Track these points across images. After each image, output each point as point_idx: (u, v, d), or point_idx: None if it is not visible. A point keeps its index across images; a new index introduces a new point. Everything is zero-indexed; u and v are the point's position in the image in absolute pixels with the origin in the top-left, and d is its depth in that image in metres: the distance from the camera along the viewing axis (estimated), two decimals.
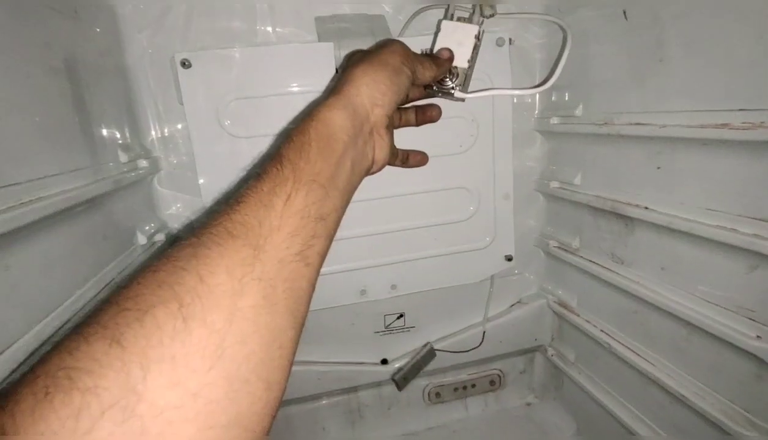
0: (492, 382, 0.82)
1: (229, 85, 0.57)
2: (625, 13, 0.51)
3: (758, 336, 0.42)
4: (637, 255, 0.56)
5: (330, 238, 0.30)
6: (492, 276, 0.73)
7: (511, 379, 0.83)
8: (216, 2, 0.57)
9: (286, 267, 0.25)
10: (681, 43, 0.45)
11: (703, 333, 0.47)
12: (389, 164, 0.46)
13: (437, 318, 0.75)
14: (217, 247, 0.24)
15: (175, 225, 0.63)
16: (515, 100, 0.67)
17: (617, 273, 0.58)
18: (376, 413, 0.80)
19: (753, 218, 0.41)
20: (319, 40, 0.59)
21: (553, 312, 0.74)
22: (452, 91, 0.46)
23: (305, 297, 0.27)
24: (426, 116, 0.50)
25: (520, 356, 0.82)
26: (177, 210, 0.63)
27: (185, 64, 0.56)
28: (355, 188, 0.34)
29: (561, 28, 0.54)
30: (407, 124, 0.50)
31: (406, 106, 0.49)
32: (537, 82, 0.67)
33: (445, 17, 0.48)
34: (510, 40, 0.63)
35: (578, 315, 0.68)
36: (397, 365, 0.73)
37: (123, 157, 0.52)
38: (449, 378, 0.80)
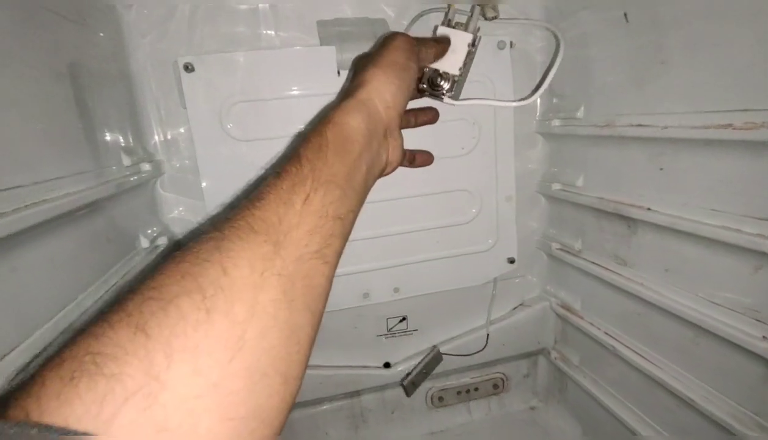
0: (495, 386, 0.81)
1: (232, 89, 0.57)
2: (626, 15, 0.51)
3: (764, 337, 0.41)
4: (640, 256, 0.55)
5: (346, 238, 0.30)
6: (495, 279, 0.72)
7: (514, 383, 0.83)
8: (219, 7, 0.57)
9: (305, 264, 0.26)
10: (682, 46, 0.45)
11: (709, 334, 0.47)
12: (398, 165, 0.47)
13: (440, 322, 0.75)
14: (239, 241, 0.24)
15: (177, 229, 0.63)
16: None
17: (620, 275, 0.58)
18: (379, 417, 0.79)
19: (757, 218, 0.41)
20: (321, 44, 0.59)
21: (556, 314, 0.74)
22: (442, 97, 0.46)
23: (323, 295, 0.27)
24: (424, 118, 0.50)
25: (523, 359, 0.81)
26: (179, 213, 0.63)
27: (188, 67, 0.56)
28: (369, 189, 0.35)
29: (555, 36, 0.54)
30: (407, 126, 0.50)
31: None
32: (537, 79, 0.67)
33: (443, 21, 0.48)
34: (511, 43, 0.63)
35: (582, 318, 0.68)
36: (401, 368, 0.73)
37: (126, 161, 0.52)
38: (452, 382, 0.80)
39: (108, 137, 0.50)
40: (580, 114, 0.61)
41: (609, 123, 0.56)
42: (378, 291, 0.69)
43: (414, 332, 0.74)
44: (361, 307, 0.69)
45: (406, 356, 0.74)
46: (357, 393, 0.77)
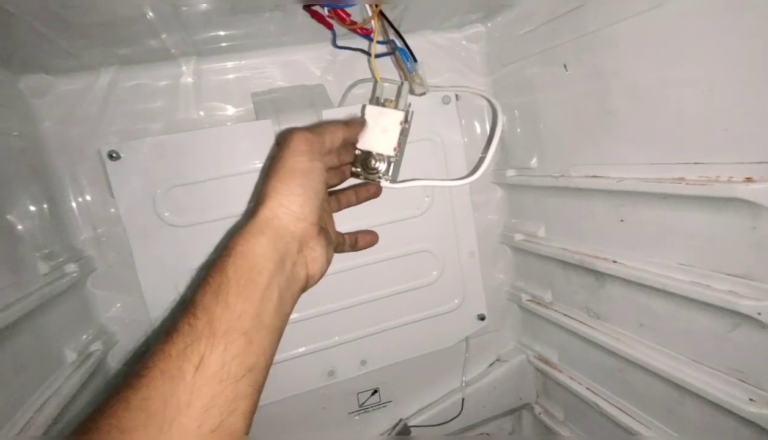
0: None
1: (165, 174, 0.53)
2: (565, 66, 0.50)
3: (751, 400, 0.39)
4: (612, 310, 0.53)
5: (260, 387, 0.26)
6: (467, 338, 0.68)
7: (498, 438, 0.78)
8: (137, 86, 0.54)
9: None
10: (626, 96, 0.44)
11: (694, 395, 0.44)
12: (339, 252, 0.43)
13: (414, 389, 0.70)
14: None
15: (116, 328, 0.57)
16: (468, 152, 0.65)
17: (595, 328, 0.55)
18: None
19: (726, 274, 0.38)
20: (257, 117, 0.56)
21: (535, 368, 0.70)
22: (378, 180, 0.43)
23: None
24: (367, 193, 0.47)
25: (506, 416, 0.77)
26: (117, 311, 0.57)
27: (113, 155, 0.52)
28: (288, 315, 0.30)
29: (491, 105, 0.52)
30: (348, 205, 0.47)
31: (341, 187, 0.46)
32: (488, 127, 0.66)
33: (371, 100, 0.45)
34: (456, 96, 0.62)
35: (561, 372, 0.64)
36: None
37: (43, 268, 0.46)
38: None
39: (24, 245, 0.45)
40: (533, 164, 0.60)
41: (563, 173, 0.54)
42: (344, 366, 0.63)
43: (388, 403, 0.69)
44: (327, 386, 0.64)
45: (382, 430, 0.69)
46: None
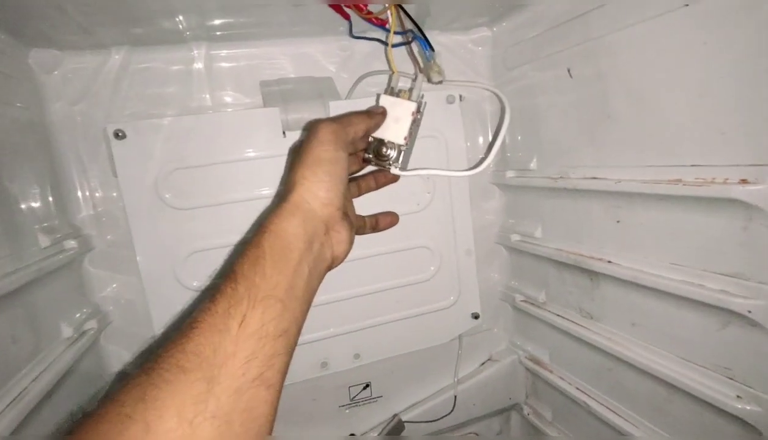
0: None
1: (169, 155, 0.53)
2: (569, 70, 0.51)
3: (738, 397, 0.40)
4: (605, 310, 0.54)
5: (291, 350, 0.29)
6: (460, 336, 0.69)
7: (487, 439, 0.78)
8: (149, 68, 0.54)
9: (243, 396, 0.24)
10: (626, 100, 0.46)
11: (683, 393, 0.45)
12: (360, 234, 0.44)
13: (406, 385, 0.70)
14: (166, 386, 0.23)
15: (111, 307, 0.57)
16: (469, 155, 0.66)
17: (587, 328, 0.56)
18: None
19: (718, 273, 0.40)
20: (265, 105, 0.56)
21: (526, 368, 0.71)
22: (389, 167, 0.45)
23: (266, 425, 0.26)
24: (385, 179, 0.49)
25: (495, 416, 0.77)
26: (113, 291, 0.57)
27: (119, 134, 0.52)
28: (315, 291, 0.34)
29: (500, 99, 0.54)
30: (368, 190, 0.49)
31: (362, 173, 0.48)
32: (490, 132, 0.67)
33: (386, 90, 0.46)
34: (460, 97, 0.63)
35: (551, 372, 0.65)
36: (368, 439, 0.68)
37: (44, 241, 0.46)
38: None
39: (24, 217, 0.45)
40: (533, 165, 0.61)
41: (563, 175, 0.55)
42: (337, 358, 0.64)
43: (379, 398, 0.69)
44: (319, 378, 0.64)
45: (373, 425, 0.69)
46: None
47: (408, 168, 0.47)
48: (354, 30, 0.48)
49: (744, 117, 0.36)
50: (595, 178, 0.50)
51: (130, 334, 0.57)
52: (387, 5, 0.41)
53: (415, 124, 0.44)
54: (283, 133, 0.56)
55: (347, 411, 0.68)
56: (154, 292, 0.55)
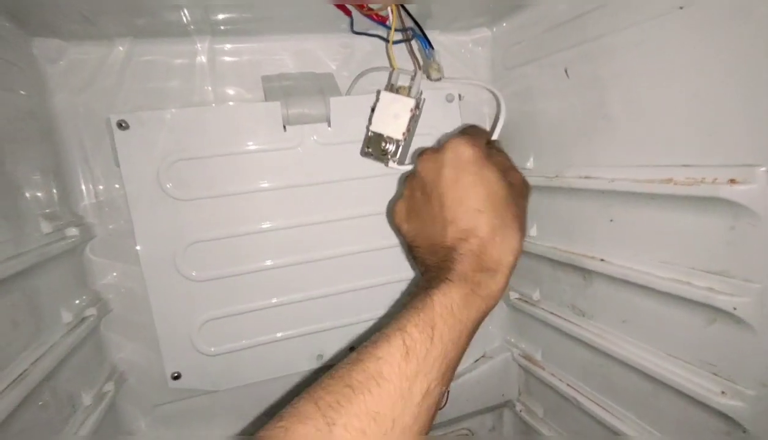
0: None
1: (171, 147, 0.54)
2: (566, 71, 0.52)
3: (723, 392, 0.41)
4: (597, 307, 0.55)
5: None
6: None
7: (480, 437, 0.79)
8: (153, 61, 0.55)
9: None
10: (621, 101, 0.47)
11: (669, 388, 0.46)
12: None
13: None
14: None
15: (111, 295, 0.57)
16: None
17: (579, 325, 0.57)
18: None
19: (706, 271, 0.41)
20: (266, 99, 0.57)
21: (519, 365, 0.72)
22: (387, 161, 0.46)
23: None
24: None
25: (488, 413, 0.78)
26: (113, 279, 0.57)
27: (122, 125, 0.53)
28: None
29: (495, 97, 0.55)
30: None
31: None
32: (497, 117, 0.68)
33: (386, 86, 0.48)
34: (459, 95, 0.64)
35: (543, 369, 0.66)
36: None
37: (46, 228, 0.47)
38: None
39: (27, 204, 0.46)
40: (530, 164, 0.62)
41: (558, 174, 0.56)
42: (333, 351, 0.65)
43: None
44: (314, 370, 0.65)
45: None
46: None
47: (406, 163, 0.48)
48: (355, 26, 0.49)
49: (733, 118, 0.36)
50: (589, 177, 0.51)
51: (129, 322, 0.58)
52: (389, 2, 0.42)
53: (414, 119, 0.45)
54: (284, 127, 0.57)
55: None
56: (154, 281, 0.56)
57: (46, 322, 0.46)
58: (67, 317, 0.49)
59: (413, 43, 0.52)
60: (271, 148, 0.57)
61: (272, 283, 0.60)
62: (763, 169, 0.34)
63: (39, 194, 0.48)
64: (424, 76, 0.53)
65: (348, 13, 0.44)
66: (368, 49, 0.60)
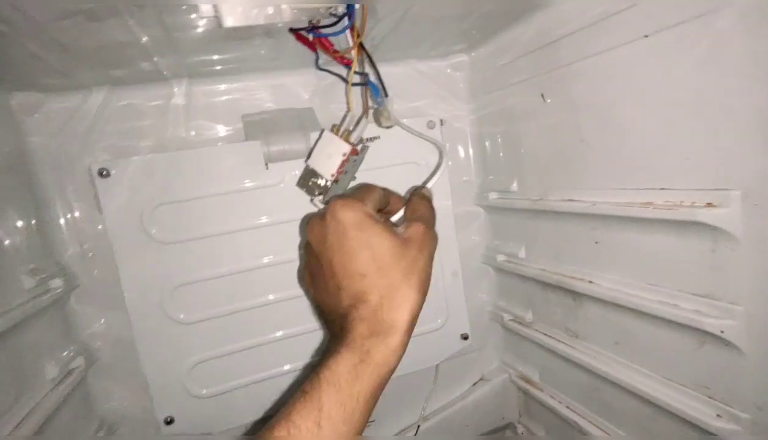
0: None
1: (154, 191, 0.54)
2: (543, 96, 0.53)
3: (718, 416, 0.40)
4: (589, 329, 0.54)
5: None
6: (437, 366, 0.69)
7: None
8: (128, 105, 0.55)
9: None
10: (597, 125, 0.47)
11: (665, 412, 0.45)
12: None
13: (399, 407, 0.70)
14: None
15: (98, 343, 0.57)
16: (451, 176, 0.67)
17: (573, 347, 0.57)
18: None
19: (692, 294, 0.40)
20: (246, 138, 0.57)
21: (517, 387, 0.71)
22: (313, 197, 0.49)
23: None
24: None
25: (489, 436, 0.77)
26: (100, 327, 0.57)
27: (103, 173, 0.53)
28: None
29: (438, 148, 0.58)
30: None
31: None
32: (471, 152, 0.69)
33: (338, 124, 0.49)
34: (441, 121, 0.64)
35: (542, 391, 0.65)
36: None
37: (29, 283, 0.47)
38: None
39: (8, 260, 0.45)
40: (514, 187, 0.62)
41: (542, 197, 0.56)
42: None
43: (371, 423, 0.69)
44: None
45: None
46: None
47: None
48: (320, 63, 0.49)
49: (706, 143, 0.37)
50: (572, 200, 0.51)
51: (118, 370, 0.57)
52: (351, 44, 0.43)
53: (352, 163, 0.46)
54: (266, 164, 0.57)
55: None
56: (141, 327, 0.55)
57: (30, 380, 0.45)
58: (52, 372, 0.48)
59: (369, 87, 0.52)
60: (254, 186, 0.57)
61: (261, 321, 0.60)
62: (737, 192, 0.34)
63: (21, 248, 0.48)
64: (371, 122, 0.54)
65: (313, 48, 0.45)
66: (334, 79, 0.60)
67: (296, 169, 0.58)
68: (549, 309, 0.60)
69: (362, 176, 0.51)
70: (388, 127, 0.54)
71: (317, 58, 0.48)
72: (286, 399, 0.58)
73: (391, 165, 0.62)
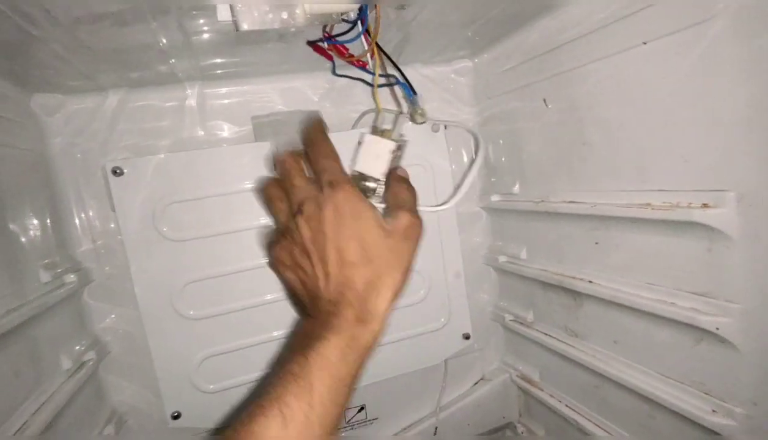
0: None
1: (165, 190, 0.55)
2: (545, 100, 0.54)
3: (713, 411, 0.41)
4: (589, 328, 0.56)
5: None
6: (446, 361, 0.70)
7: None
8: (144, 106, 0.57)
9: None
10: (598, 128, 0.48)
11: (663, 408, 0.46)
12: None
13: (401, 407, 0.71)
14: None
15: (109, 338, 0.58)
16: (455, 179, 0.69)
17: (573, 346, 0.58)
18: None
19: (689, 292, 0.42)
20: (256, 139, 0.59)
21: (518, 387, 0.72)
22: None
23: None
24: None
25: (490, 435, 0.78)
26: (111, 322, 0.58)
27: (117, 171, 0.54)
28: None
29: (474, 137, 0.57)
30: None
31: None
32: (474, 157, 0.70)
33: (372, 127, 0.50)
34: (445, 125, 0.66)
35: (542, 390, 0.66)
36: None
37: (45, 277, 0.48)
38: None
39: (26, 254, 0.47)
40: (516, 189, 0.63)
41: (543, 199, 0.57)
42: None
43: (374, 421, 0.70)
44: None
45: None
46: None
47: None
48: (337, 70, 0.51)
49: (703, 145, 0.38)
50: (573, 201, 0.53)
51: (128, 364, 0.58)
52: (366, 48, 0.44)
53: (395, 160, 0.47)
54: (274, 165, 0.58)
55: (342, 434, 0.69)
56: (151, 322, 0.57)
57: (47, 370, 0.47)
58: (66, 363, 0.49)
59: (396, 87, 0.54)
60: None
61: (268, 318, 0.61)
62: (732, 193, 0.36)
63: (37, 243, 0.49)
64: (407, 119, 0.55)
65: (329, 57, 0.46)
66: (352, 84, 0.62)
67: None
68: (550, 309, 0.62)
69: None
70: (422, 123, 0.56)
71: (333, 65, 0.50)
72: None
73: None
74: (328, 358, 0.33)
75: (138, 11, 0.34)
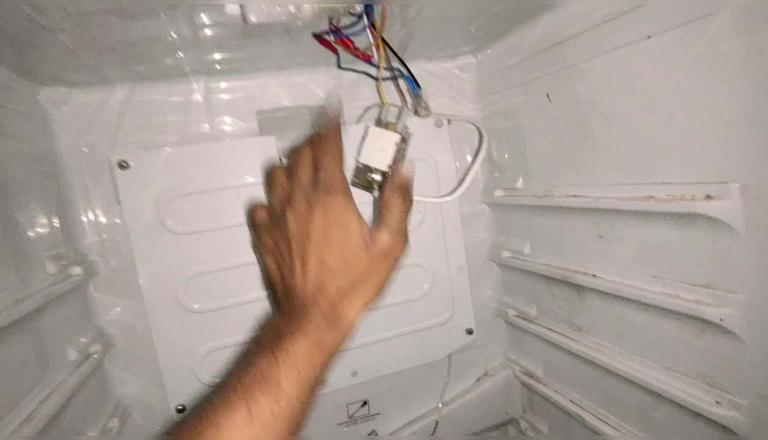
0: None
1: (171, 183, 0.56)
2: (548, 95, 0.55)
3: (717, 403, 0.42)
4: (592, 322, 0.56)
5: None
6: (450, 356, 0.71)
7: None
8: (150, 100, 0.58)
9: None
10: (601, 122, 0.48)
11: (667, 401, 0.46)
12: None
13: (404, 401, 0.71)
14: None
15: (114, 330, 0.58)
16: (458, 174, 0.69)
17: (577, 341, 0.58)
18: None
19: (693, 284, 0.42)
20: (261, 133, 0.59)
21: (521, 382, 0.72)
22: (373, 191, 0.48)
23: None
24: None
25: (492, 431, 0.78)
26: (116, 314, 0.59)
27: (123, 165, 0.54)
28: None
29: (478, 130, 0.58)
30: None
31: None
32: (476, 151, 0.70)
33: (377, 120, 0.50)
34: (448, 120, 0.66)
35: (545, 385, 0.66)
36: None
37: (51, 268, 0.48)
38: None
39: (32, 246, 0.47)
40: (519, 184, 0.64)
41: (547, 193, 0.58)
42: (335, 376, 0.65)
43: (377, 415, 0.71)
44: (317, 395, 0.65)
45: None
46: None
47: None
48: (342, 63, 0.52)
49: (706, 137, 0.38)
50: (576, 196, 0.53)
51: (132, 357, 0.58)
52: (372, 41, 0.45)
53: (400, 152, 0.48)
54: (280, 159, 0.59)
55: (346, 428, 0.69)
56: (156, 315, 0.57)
57: (53, 361, 0.47)
58: (72, 355, 0.50)
59: (401, 81, 0.55)
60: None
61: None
62: (736, 185, 0.36)
63: (44, 235, 0.50)
64: (411, 112, 0.56)
65: (334, 50, 0.47)
66: (358, 78, 0.62)
67: None
68: (553, 303, 0.62)
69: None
70: (425, 116, 0.56)
71: (338, 59, 0.50)
72: None
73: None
74: (296, 357, 0.33)
75: (148, 5, 0.34)
